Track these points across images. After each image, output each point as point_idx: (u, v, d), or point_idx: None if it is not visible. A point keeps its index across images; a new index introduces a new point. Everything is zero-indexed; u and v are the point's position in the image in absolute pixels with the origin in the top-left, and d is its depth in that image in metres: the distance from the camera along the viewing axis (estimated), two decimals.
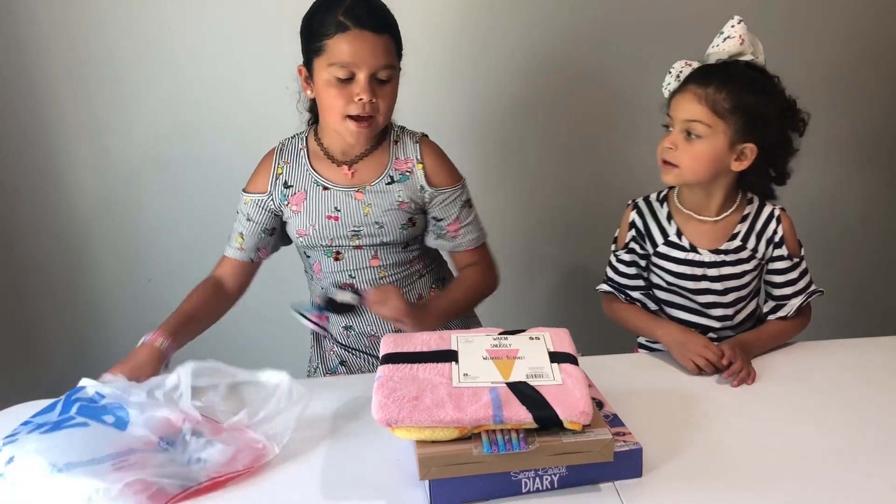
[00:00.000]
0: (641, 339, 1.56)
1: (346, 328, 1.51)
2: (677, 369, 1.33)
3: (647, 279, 1.48)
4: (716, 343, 1.35)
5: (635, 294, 1.48)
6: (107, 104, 1.98)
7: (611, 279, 1.50)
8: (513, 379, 1.00)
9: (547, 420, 0.94)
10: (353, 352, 1.54)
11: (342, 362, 1.56)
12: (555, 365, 1.04)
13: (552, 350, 1.07)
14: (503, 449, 0.93)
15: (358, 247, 1.44)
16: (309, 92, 1.39)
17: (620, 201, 1.54)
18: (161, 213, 2.09)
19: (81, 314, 2.16)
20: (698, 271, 1.41)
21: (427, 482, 0.94)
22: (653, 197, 1.48)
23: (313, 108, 1.46)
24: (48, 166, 2.02)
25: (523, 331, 1.14)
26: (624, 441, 1.00)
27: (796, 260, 1.42)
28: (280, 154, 1.47)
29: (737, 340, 1.35)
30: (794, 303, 1.42)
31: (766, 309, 1.46)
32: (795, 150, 1.39)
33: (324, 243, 1.44)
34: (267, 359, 2.15)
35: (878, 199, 2.31)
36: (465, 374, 1.01)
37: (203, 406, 1.13)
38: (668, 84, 1.40)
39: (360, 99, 1.30)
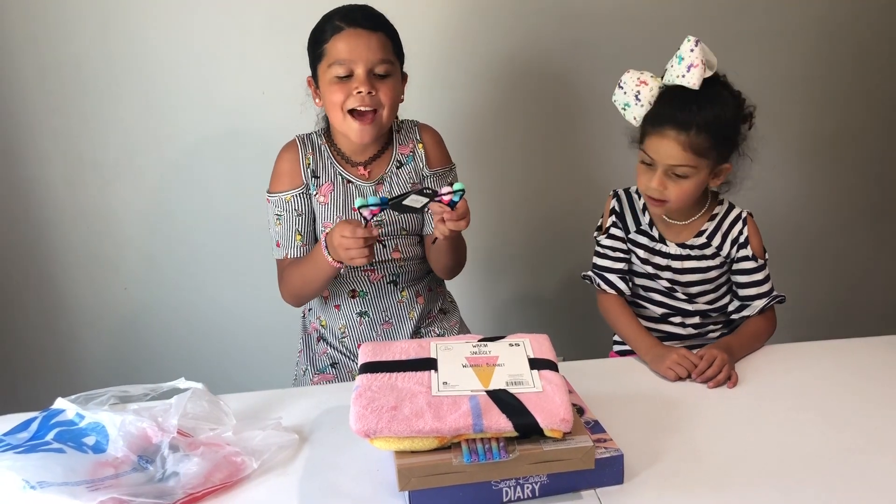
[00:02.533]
0: (616, 338, 1.56)
1: (361, 314, 1.54)
2: (658, 374, 1.33)
3: (629, 264, 1.51)
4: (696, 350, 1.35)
5: (612, 277, 1.50)
6: (80, 110, 1.95)
7: (594, 264, 1.53)
8: (492, 387, 0.99)
9: (527, 428, 0.93)
10: (348, 354, 1.57)
11: (333, 364, 1.58)
12: (535, 372, 1.03)
13: (532, 356, 1.07)
14: (483, 458, 0.92)
15: (380, 240, 1.47)
16: (318, 101, 1.47)
17: (598, 202, 1.57)
18: (136, 220, 2.06)
19: (56, 323, 2.12)
20: (663, 262, 1.47)
21: (407, 493, 0.93)
22: (633, 189, 1.53)
23: (326, 119, 1.51)
24: (18, 174, 1.98)
25: (503, 337, 1.13)
26: (605, 448, 1.00)
27: (761, 262, 1.46)
28: (303, 145, 1.50)
29: (717, 344, 1.36)
30: (758, 304, 1.46)
31: (731, 308, 1.50)
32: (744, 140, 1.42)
33: None
34: (255, 362, 2.18)
35: (853, 199, 2.32)
36: (445, 383, 1.00)
37: (183, 421, 1.11)
38: (626, 104, 1.40)
39: (359, 91, 1.36)
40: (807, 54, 2.15)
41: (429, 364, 1.05)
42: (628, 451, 1.01)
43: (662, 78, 1.38)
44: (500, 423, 0.93)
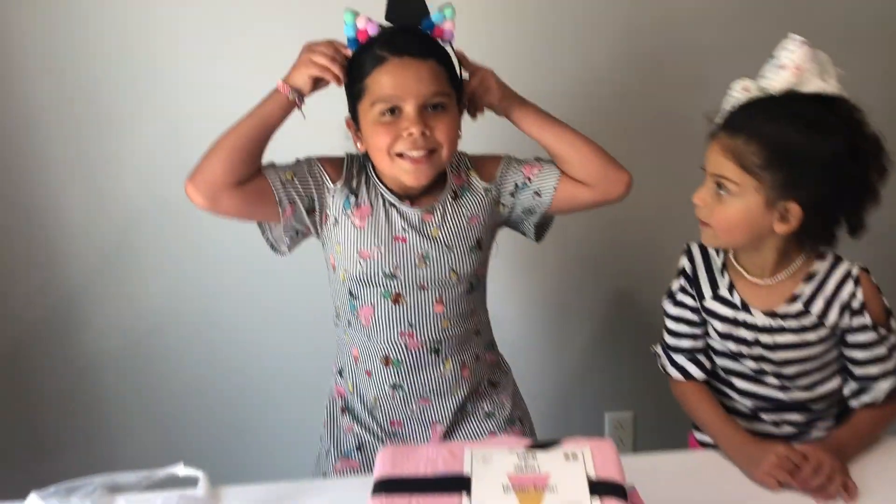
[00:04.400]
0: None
1: (395, 387, 1.30)
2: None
3: (704, 339, 1.25)
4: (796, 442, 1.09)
5: (680, 359, 1.25)
6: (99, 140, 1.80)
7: (662, 338, 1.28)
8: None
9: None
10: (376, 434, 1.34)
11: (359, 447, 1.35)
12: (596, 500, 0.79)
13: (594, 477, 0.83)
14: None
15: (422, 286, 1.25)
16: (359, 144, 1.25)
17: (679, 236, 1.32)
18: (160, 256, 1.90)
19: (76, 375, 1.97)
20: (749, 336, 1.19)
21: None
22: None
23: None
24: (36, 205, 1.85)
25: (557, 442, 0.90)
26: None
27: (883, 332, 1.16)
28: (350, 162, 1.29)
29: (827, 441, 1.09)
30: (884, 386, 1.17)
31: (847, 392, 1.20)
32: (872, 197, 1.12)
33: (387, 271, 1.24)
34: (275, 435, 1.99)
35: None
36: None
37: None
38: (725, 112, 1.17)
39: (410, 133, 1.15)
40: None
41: (460, 484, 0.82)
42: None
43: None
44: None
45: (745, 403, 1.23)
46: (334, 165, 1.27)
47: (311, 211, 1.24)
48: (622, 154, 1.28)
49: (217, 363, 1.98)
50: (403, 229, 1.25)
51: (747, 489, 1.06)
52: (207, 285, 1.93)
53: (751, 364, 1.20)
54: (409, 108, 1.15)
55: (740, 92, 1.14)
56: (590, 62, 1.81)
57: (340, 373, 1.38)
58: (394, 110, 1.16)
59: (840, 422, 1.22)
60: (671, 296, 1.27)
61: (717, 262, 1.24)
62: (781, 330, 1.17)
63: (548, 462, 0.86)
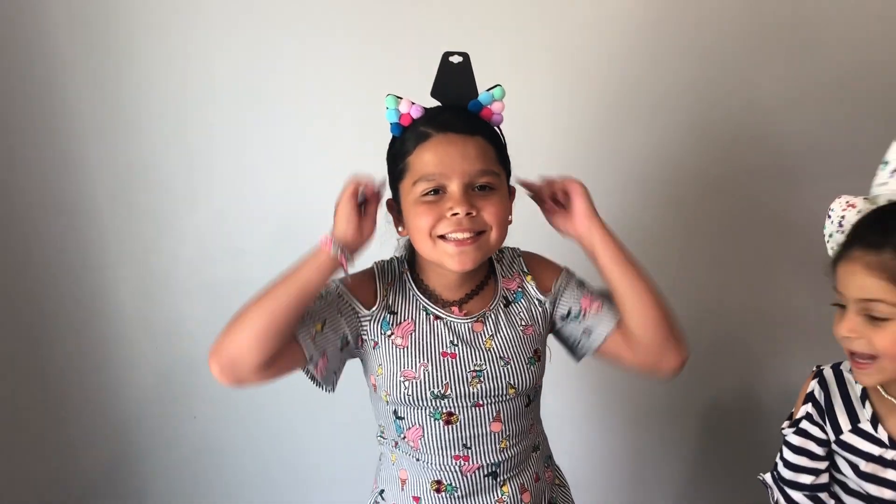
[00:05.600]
0: None
1: (437, 484, 1.14)
2: None
3: (825, 476, 1.06)
4: None
5: (798, 496, 1.05)
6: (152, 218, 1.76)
7: (775, 467, 1.10)
8: None
9: None
10: None
11: None
12: None
13: None
14: None
15: (477, 404, 1.11)
16: (400, 229, 1.13)
17: None
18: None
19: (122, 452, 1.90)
20: None
21: None
22: (846, 365, 1.08)
23: (409, 246, 1.16)
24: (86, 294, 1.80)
25: None
26: None
27: None
28: (381, 274, 1.15)
29: None
30: None
31: None
32: None
33: (435, 391, 1.09)
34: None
35: None
36: None
37: None
38: (831, 235, 1.01)
39: (455, 213, 1.03)
40: None
41: None
42: None
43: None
44: None
45: None
46: (364, 286, 1.13)
47: (345, 346, 1.11)
48: None
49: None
50: (452, 343, 1.11)
51: None
52: None
53: None
54: (454, 187, 1.04)
55: (847, 209, 1.00)
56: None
57: (382, 493, 1.22)
58: (438, 190, 1.05)
59: None
60: (794, 424, 1.10)
61: (855, 388, 1.06)
62: None
63: None
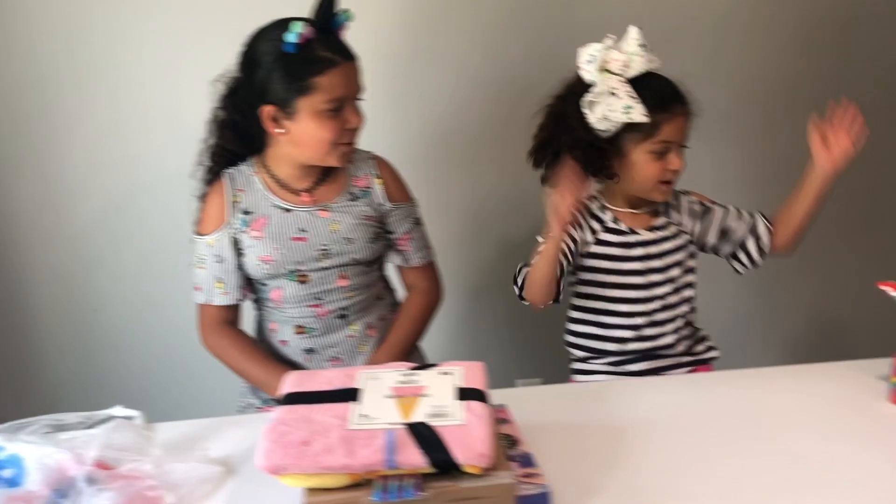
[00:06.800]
0: (576, 366, 1.51)
1: (308, 351, 1.46)
2: (612, 400, 1.27)
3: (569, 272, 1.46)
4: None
5: None
6: (44, 132, 1.94)
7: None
8: (412, 419, 0.94)
9: (443, 464, 0.88)
10: None
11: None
12: (461, 402, 0.98)
13: (461, 386, 1.01)
14: (394, 496, 0.87)
15: (325, 267, 1.40)
16: (280, 131, 1.34)
17: None
18: (103, 240, 2.04)
19: (21, 345, 2.10)
20: (641, 251, 1.45)
21: None
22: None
23: (251, 141, 1.41)
24: None
25: (436, 365, 1.08)
26: (532, 483, 0.95)
27: (731, 207, 1.51)
28: (232, 182, 1.42)
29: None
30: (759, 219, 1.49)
31: (752, 249, 1.49)
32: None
33: (290, 267, 1.39)
34: (198, 383, 2.13)
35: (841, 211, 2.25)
36: (363, 416, 0.96)
37: (108, 453, 1.08)
38: (628, 107, 1.34)
39: (354, 128, 1.35)
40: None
41: (350, 395, 1.00)
42: (561, 487, 0.96)
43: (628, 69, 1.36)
44: (414, 459, 0.88)
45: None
46: (215, 204, 1.41)
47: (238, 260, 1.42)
48: None
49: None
50: (302, 229, 1.40)
51: (604, 412, 1.24)
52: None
53: (640, 280, 1.47)
54: (352, 107, 1.34)
55: (623, 83, 1.38)
56: None
57: (262, 342, 1.52)
58: (339, 108, 1.32)
59: None
60: None
61: (593, 205, 1.49)
62: (663, 239, 1.48)
63: (426, 378, 1.04)
